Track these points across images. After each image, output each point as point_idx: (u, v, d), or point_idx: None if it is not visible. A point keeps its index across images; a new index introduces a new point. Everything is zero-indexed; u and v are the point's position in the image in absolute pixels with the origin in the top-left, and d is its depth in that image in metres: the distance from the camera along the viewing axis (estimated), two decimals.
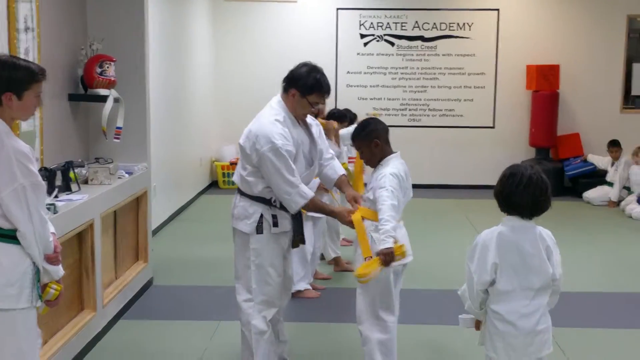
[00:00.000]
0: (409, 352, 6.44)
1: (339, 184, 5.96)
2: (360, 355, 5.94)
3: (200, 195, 14.37)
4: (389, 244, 5.19)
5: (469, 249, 4.48)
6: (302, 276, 7.96)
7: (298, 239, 5.74)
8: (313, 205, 5.56)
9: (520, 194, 4.36)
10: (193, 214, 12.83)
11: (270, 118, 5.50)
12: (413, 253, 5.69)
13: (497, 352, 4.44)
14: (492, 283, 4.40)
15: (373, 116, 6.69)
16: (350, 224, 5.57)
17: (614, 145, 14.13)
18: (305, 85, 5.52)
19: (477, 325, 4.68)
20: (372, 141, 5.62)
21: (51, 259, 4.34)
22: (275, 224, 5.56)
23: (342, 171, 6.00)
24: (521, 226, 4.42)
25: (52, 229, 4.41)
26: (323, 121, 8.04)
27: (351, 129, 8.76)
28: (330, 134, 8.20)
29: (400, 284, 5.71)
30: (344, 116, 9.29)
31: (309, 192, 5.48)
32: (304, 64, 5.65)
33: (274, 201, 5.54)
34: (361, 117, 9.41)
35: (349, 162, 9.08)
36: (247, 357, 5.79)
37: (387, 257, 5.19)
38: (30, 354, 4.33)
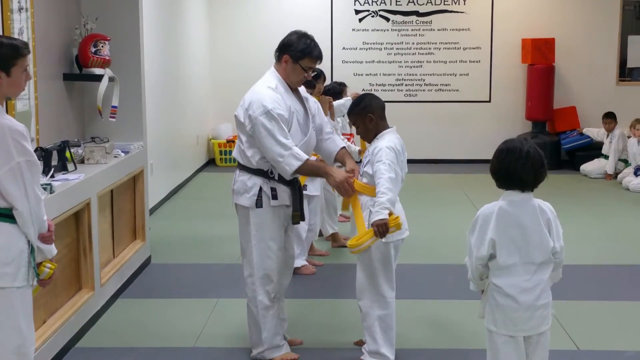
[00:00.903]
0: (408, 327, 6.45)
1: (340, 157, 5.95)
2: (358, 330, 5.97)
3: (197, 173, 14.37)
4: (382, 215, 5.20)
5: (471, 222, 4.48)
6: (298, 253, 7.97)
7: (298, 213, 5.75)
8: (307, 168, 5.55)
9: (522, 169, 4.37)
10: (190, 192, 12.84)
11: (263, 85, 5.61)
12: (410, 228, 5.71)
13: (496, 325, 4.45)
14: (491, 258, 4.41)
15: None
16: (341, 184, 5.56)
17: (608, 117, 14.11)
18: (296, 51, 5.62)
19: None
20: (366, 116, 5.65)
21: (45, 238, 4.36)
22: (275, 197, 5.59)
23: (342, 144, 6.02)
24: (520, 200, 4.42)
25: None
26: (317, 97, 8.07)
27: (342, 101, 8.81)
28: (325, 109, 8.21)
29: (397, 259, 5.73)
30: (339, 93, 9.25)
31: (302, 154, 5.49)
32: (294, 32, 5.77)
33: (272, 173, 5.57)
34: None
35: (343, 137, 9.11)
36: (255, 332, 5.84)
37: (381, 229, 5.20)
38: (27, 333, 4.35)
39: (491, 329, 4.48)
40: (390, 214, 5.24)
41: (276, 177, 5.60)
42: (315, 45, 5.68)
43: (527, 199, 4.44)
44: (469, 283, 4.66)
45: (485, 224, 4.39)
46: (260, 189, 5.58)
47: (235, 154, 5.75)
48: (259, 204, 5.57)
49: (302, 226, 7.91)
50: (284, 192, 5.64)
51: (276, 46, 5.77)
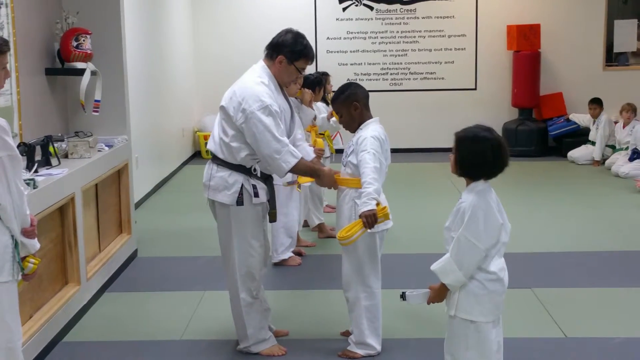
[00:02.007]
0: (394, 317, 6.43)
1: None
2: (345, 321, 5.97)
3: (183, 165, 14.35)
4: (371, 206, 5.19)
5: (458, 219, 4.40)
6: (287, 246, 7.97)
7: (275, 211, 5.74)
8: (301, 167, 5.52)
9: (504, 158, 4.41)
10: (177, 184, 12.83)
11: (256, 79, 5.50)
12: (396, 218, 5.69)
13: (484, 314, 4.42)
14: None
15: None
16: (333, 184, 5.60)
17: (594, 103, 14.14)
18: (292, 52, 5.54)
19: (436, 297, 4.60)
20: (351, 104, 5.62)
21: (28, 233, 4.35)
22: (256, 194, 5.53)
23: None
24: (489, 187, 4.46)
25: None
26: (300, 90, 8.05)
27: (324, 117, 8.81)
28: (306, 101, 8.20)
29: (382, 249, 5.72)
30: (320, 82, 9.10)
31: (297, 151, 5.46)
32: (289, 31, 5.65)
33: (254, 170, 5.51)
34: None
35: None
36: (240, 328, 5.83)
37: (370, 219, 5.19)
38: (14, 328, 4.35)
39: (477, 320, 4.42)
40: (377, 204, 5.24)
41: (258, 174, 5.55)
42: (311, 47, 5.64)
43: (489, 186, 4.47)
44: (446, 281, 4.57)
45: (483, 213, 4.35)
46: (242, 186, 5.52)
47: (212, 147, 5.62)
48: (240, 201, 5.51)
49: (295, 218, 7.92)
50: (262, 189, 5.59)
51: (259, 37, 5.72)
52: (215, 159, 5.59)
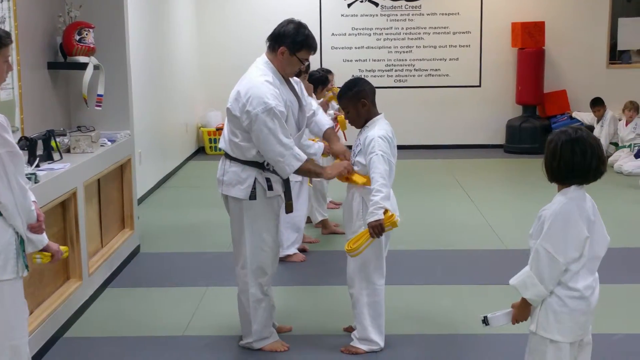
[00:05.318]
0: (397, 312, 6.42)
1: (327, 136, 5.95)
2: (348, 317, 5.96)
3: (187, 161, 14.34)
4: (378, 216, 5.15)
5: (538, 227, 4.15)
6: (292, 241, 7.95)
7: (291, 202, 5.71)
8: (305, 168, 5.47)
9: (590, 161, 4.07)
10: (180, 180, 12.81)
11: (260, 79, 5.41)
12: (401, 214, 5.63)
13: (563, 334, 4.12)
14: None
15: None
16: (337, 176, 5.56)
17: (597, 104, 14.11)
18: (294, 42, 5.45)
19: (519, 315, 4.27)
20: (359, 101, 5.55)
21: (34, 228, 4.29)
22: (270, 188, 5.50)
23: (328, 125, 5.93)
24: (582, 194, 4.16)
25: (32, 197, 4.36)
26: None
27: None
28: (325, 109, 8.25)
29: (387, 246, 5.69)
30: (325, 80, 9.09)
31: (302, 154, 5.41)
32: (290, 21, 5.56)
33: (267, 164, 5.47)
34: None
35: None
36: (245, 324, 5.80)
37: (377, 230, 5.17)
38: (17, 325, 4.31)
39: (556, 339, 4.13)
40: (386, 212, 5.19)
41: (271, 169, 5.49)
42: (313, 37, 5.55)
43: (584, 192, 4.18)
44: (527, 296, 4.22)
45: (567, 224, 4.04)
46: (255, 180, 5.48)
47: (223, 145, 5.60)
48: (252, 195, 5.48)
49: (302, 214, 7.92)
50: (277, 182, 5.55)
51: (264, 32, 5.65)
52: (228, 156, 5.58)
